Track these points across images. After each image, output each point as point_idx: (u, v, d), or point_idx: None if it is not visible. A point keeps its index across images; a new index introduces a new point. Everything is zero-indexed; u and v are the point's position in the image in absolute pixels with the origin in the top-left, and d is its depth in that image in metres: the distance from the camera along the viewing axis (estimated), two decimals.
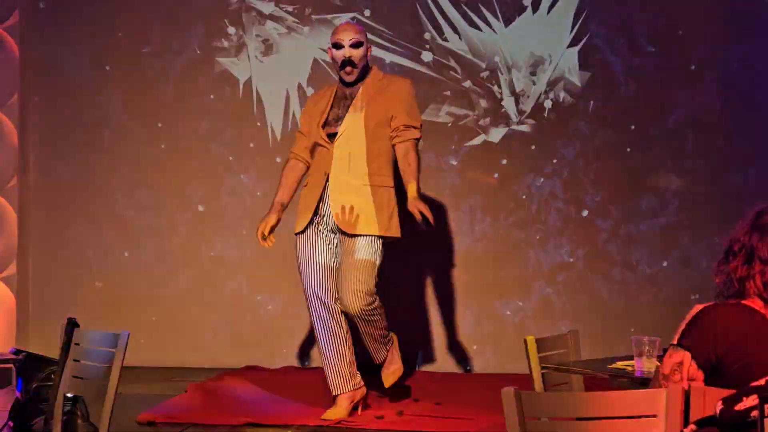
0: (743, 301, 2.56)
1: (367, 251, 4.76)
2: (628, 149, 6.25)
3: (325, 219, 4.85)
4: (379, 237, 4.80)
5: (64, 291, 6.38)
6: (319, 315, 4.83)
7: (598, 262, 6.30)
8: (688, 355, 2.51)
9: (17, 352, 4.25)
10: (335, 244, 4.88)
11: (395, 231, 4.85)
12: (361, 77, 4.91)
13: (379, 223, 4.79)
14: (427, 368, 6.21)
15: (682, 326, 2.55)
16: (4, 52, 6.29)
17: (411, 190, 4.71)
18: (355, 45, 4.81)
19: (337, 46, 4.82)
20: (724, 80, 6.25)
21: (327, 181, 4.80)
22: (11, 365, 3.98)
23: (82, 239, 6.40)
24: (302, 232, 4.86)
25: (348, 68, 4.81)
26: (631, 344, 3.30)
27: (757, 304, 2.55)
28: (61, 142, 6.47)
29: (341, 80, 4.94)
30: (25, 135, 6.38)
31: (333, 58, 4.90)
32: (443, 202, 6.30)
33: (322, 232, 4.87)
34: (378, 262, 4.80)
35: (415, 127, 4.88)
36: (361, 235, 4.77)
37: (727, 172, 6.24)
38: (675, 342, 2.54)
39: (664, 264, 6.26)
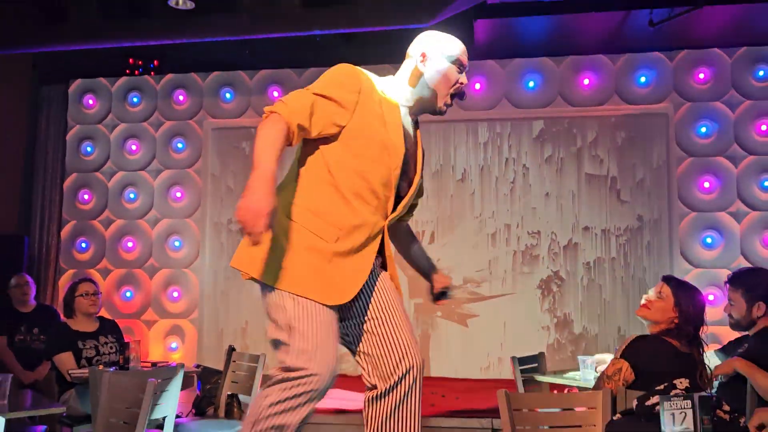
0: (663, 336, 2.58)
1: None
2: None
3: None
4: None
5: (228, 328, 6.33)
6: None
7: None
8: (626, 363, 2.52)
9: (198, 366, 4.28)
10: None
11: None
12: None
13: None
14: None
15: (623, 346, 2.57)
16: (194, 183, 6.46)
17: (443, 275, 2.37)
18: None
19: (461, 66, 2.15)
20: None
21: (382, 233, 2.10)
22: (194, 374, 4.00)
23: (240, 297, 6.31)
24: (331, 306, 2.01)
25: (454, 101, 2.19)
26: (578, 361, 3.27)
27: (672, 340, 2.56)
28: (224, 237, 6.46)
29: (427, 109, 2.19)
30: (203, 232, 6.45)
31: (442, 73, 2.12)
32: None
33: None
34: None
35: None
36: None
37: None
38: (618, 356, 2.56)
39: None
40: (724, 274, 5.46)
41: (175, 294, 6.33)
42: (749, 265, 5.16)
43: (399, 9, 4.70)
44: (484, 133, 6.10)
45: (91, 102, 6.56)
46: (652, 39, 5.60)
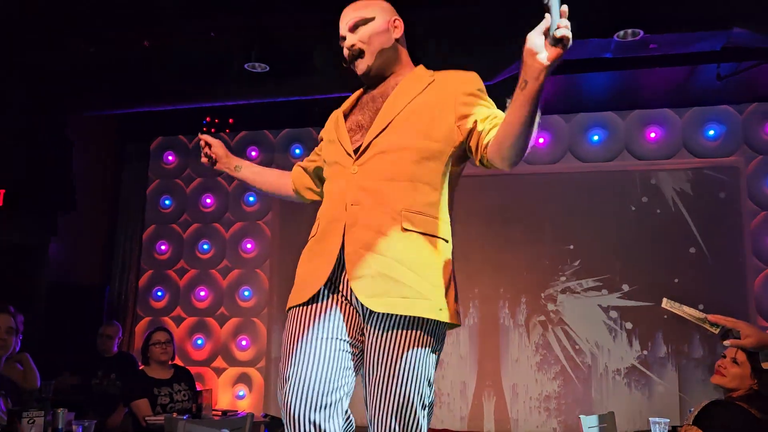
0: (740, 402, 2.50)
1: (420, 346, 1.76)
2: None
3: (341, 287, 1.89)
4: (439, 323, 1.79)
5: None
6: None
7: None
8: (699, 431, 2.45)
9: (266, 415, 4.37)
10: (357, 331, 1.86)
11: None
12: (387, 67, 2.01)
13: (433, 298, 1.77)
14: None
15: (696, 412, 2.48)
16: (263, 235, 6.64)
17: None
18: (354, 27, 1.98)
19: (341, 39, 2.02)
20: None
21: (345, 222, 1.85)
22: (262, 424, 4.08)
23: None
24: (303, 304, 1.94)
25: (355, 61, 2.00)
26: (649, 424, 3.16)
27: (750, 408, 2.49)
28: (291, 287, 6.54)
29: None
30: (272, 282, 6.57)
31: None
32: None
33: (340, 305, 1.89)
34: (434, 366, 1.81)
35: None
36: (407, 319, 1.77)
37: None
38: (690, 421, 2.48)
39: None
40: None
41: (244, 342, 6.46)
42: None
43: (464, 66, 4.81)
44: (547, 185, 6.07)
45: (170, 158, 6.91)
46: (720, 92, 5.52)
